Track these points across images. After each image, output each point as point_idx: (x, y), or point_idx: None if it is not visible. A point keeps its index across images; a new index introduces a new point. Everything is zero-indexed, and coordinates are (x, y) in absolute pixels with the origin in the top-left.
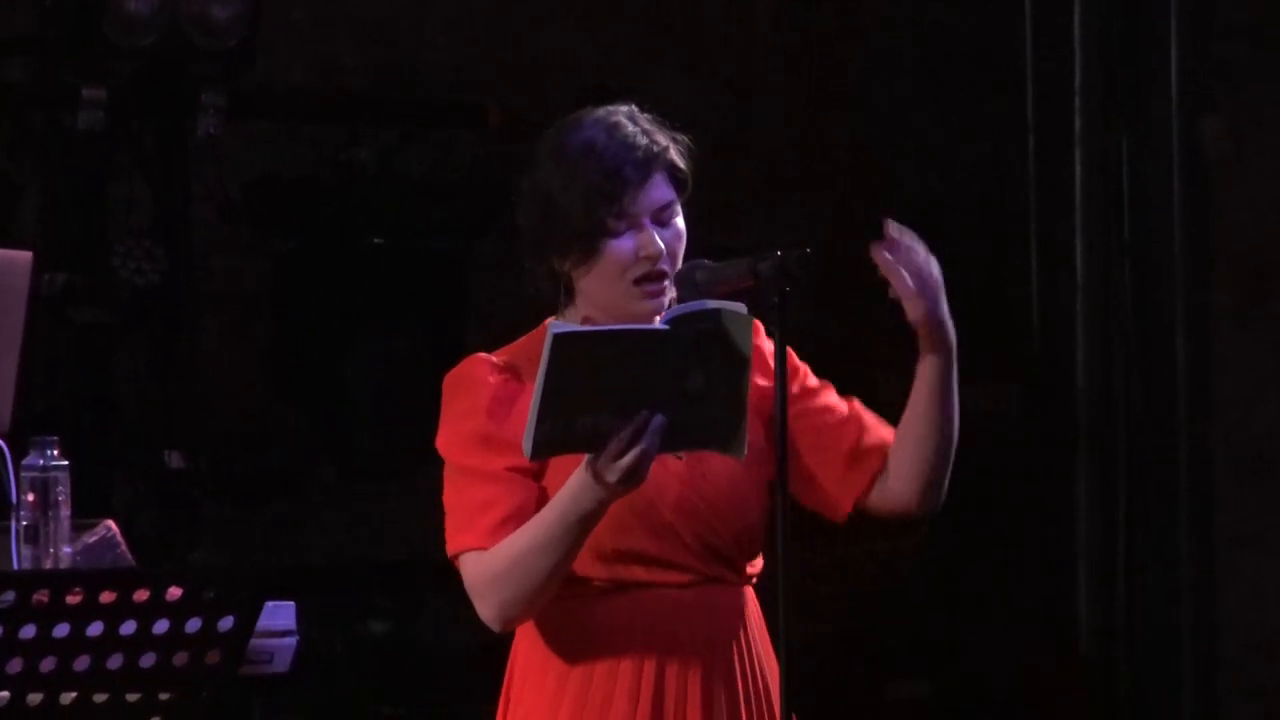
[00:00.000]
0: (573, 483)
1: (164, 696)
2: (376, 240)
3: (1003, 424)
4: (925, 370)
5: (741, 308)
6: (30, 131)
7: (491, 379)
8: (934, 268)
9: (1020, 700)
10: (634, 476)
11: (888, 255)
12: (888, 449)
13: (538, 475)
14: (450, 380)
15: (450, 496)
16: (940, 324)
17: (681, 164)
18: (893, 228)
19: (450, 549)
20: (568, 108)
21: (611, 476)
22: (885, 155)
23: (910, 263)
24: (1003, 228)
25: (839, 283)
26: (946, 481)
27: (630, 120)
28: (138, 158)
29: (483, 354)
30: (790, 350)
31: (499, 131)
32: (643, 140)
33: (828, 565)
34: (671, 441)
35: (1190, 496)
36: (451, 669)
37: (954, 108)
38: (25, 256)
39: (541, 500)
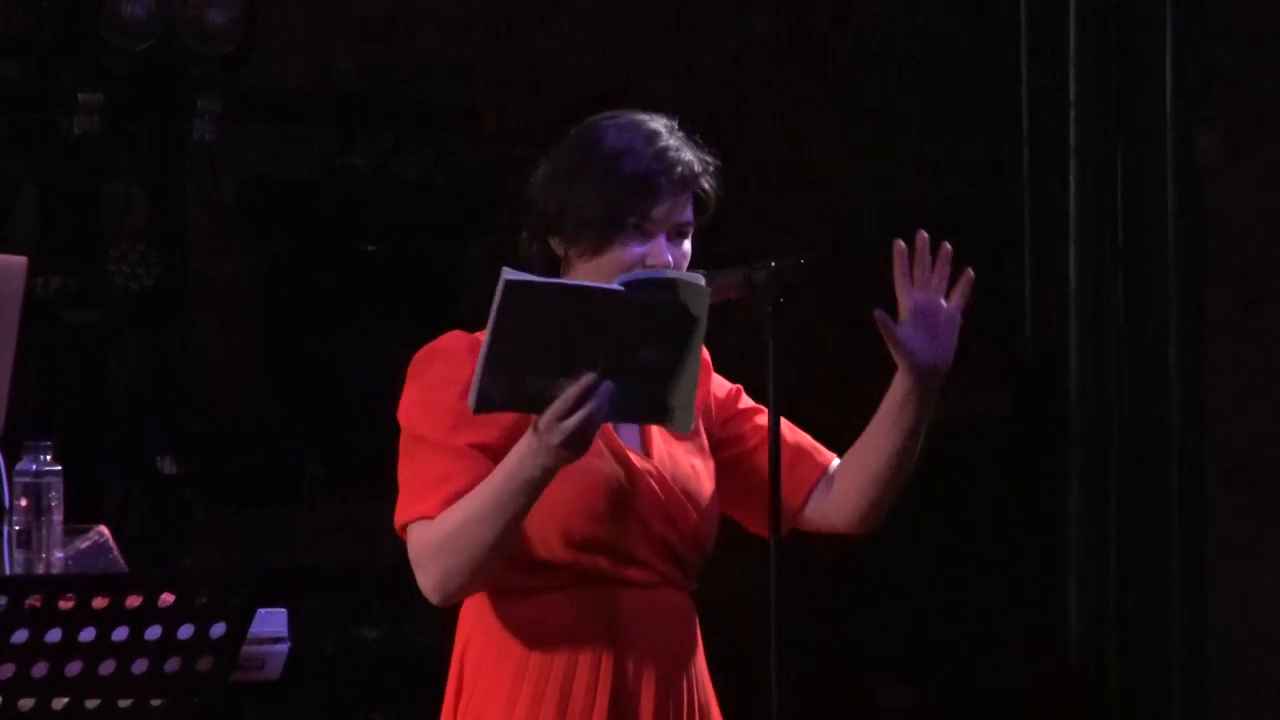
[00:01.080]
0: (519, 447)
1: (156, 702)
2: (370, 247)
3: (995, 430)
4: (903, 404)
5: (699, 278)
6: (26, 134)
7: (472, 356)
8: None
9: (1010, 707)
10: (578, 440)
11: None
12: (823, 470)
13: (500, 456)
14: (426, 353)
15: (406, 468)
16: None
17: (709, 188)
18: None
19: (400, 519)
20: (563, 111)
21: (555, 438)
22: (880, 162)
23: (934, 290)
24: (997, 234)
25: (833, 289)
26: (888, 510)
27: (669, 133)
28: (133, 161)
29: (461, 331)
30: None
31: (494, 135)
32: (685, 157)
33: (817, 571)
34: (619, 411)
35: (1181, 504)
36: (443, 674)
37: (949, 115)
38: (20, 261)
39: None
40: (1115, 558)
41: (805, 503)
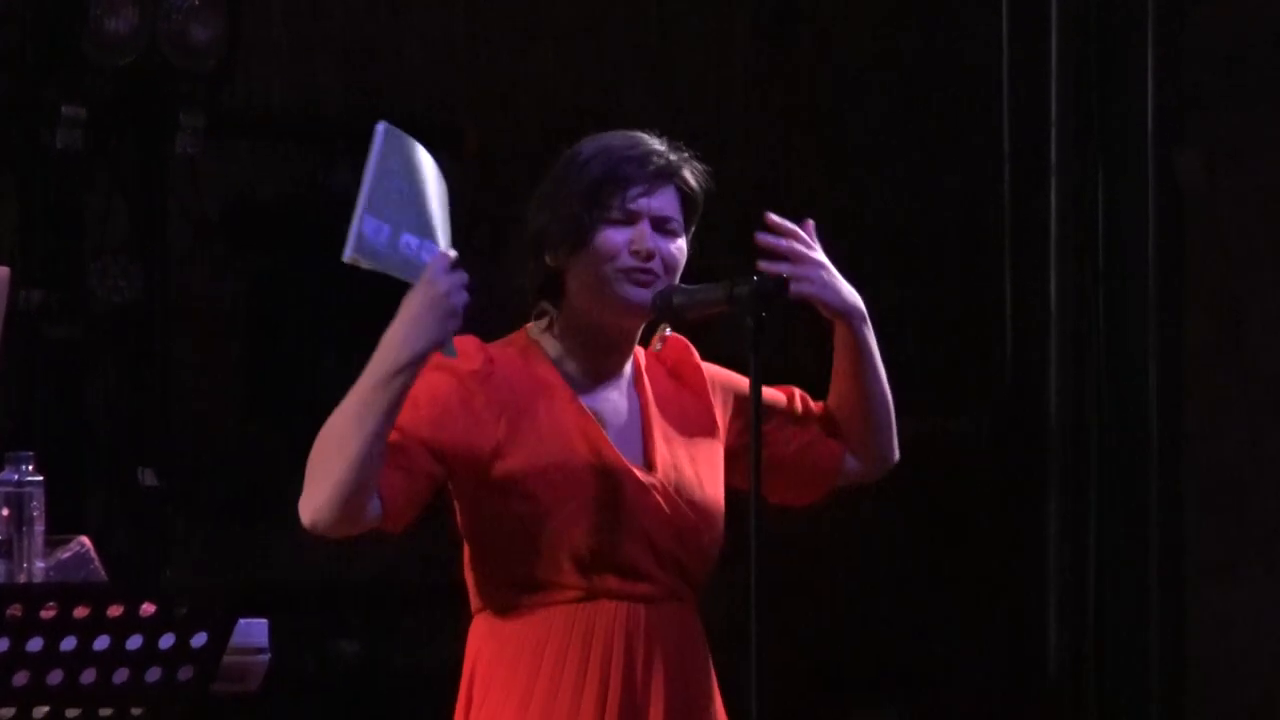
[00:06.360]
0: (390, 336)
1: (136, 711)
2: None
3: (974, 453)
4: (841, 337)
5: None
6: (8, 147)
7: (480, 355)
8: (808, 252)
9: None
10: (451, 307)
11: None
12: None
13: (438, 458)
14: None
15: None
16: (835, 299)
17: (694, 183)
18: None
19: None
20: (545, 132)
21: (441, 288)
22: (860, 183)
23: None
24: (977, 257)
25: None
26: (894, 439)
27: (648, 136)
28: (115, 176)
29: (474, 337)
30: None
31: (476, 156)
32: (661, 149)
33: (794, 591)
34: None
35: (1160, 526)
36: (422, 689)
37: (929, 137)
38: (3, 272)
39: (432, 481)
40: (1094, 577)
41: (841, 468)
